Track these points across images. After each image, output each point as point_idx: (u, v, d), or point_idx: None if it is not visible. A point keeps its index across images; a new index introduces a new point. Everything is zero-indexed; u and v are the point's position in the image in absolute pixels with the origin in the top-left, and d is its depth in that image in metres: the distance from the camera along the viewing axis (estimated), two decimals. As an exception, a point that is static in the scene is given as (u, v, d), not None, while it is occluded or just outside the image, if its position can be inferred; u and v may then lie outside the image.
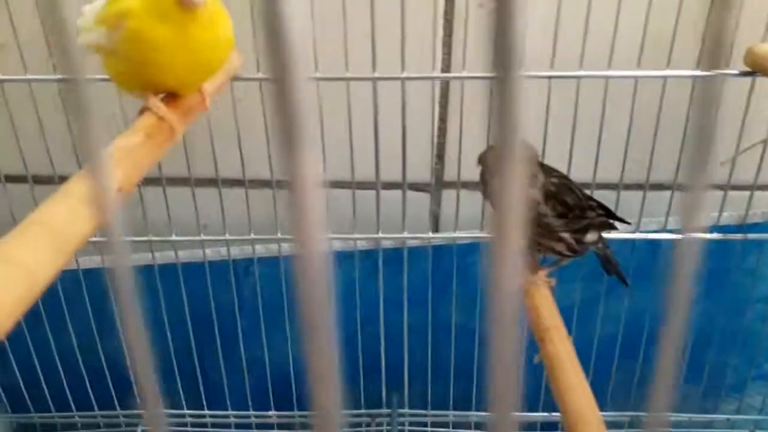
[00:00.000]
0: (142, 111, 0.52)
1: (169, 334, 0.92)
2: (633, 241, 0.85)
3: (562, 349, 0.58)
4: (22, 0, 0.76)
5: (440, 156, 0.90)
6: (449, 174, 0.90)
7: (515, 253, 0.14)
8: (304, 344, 0.15)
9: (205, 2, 0.48)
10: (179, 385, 0.97)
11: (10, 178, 0.85)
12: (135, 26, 0.48)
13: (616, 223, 0.75)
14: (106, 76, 0.75)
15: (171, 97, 0.54)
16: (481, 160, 0.64)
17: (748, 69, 0.73)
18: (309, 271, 0.14)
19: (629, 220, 0.80)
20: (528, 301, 0.66)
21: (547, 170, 0.68)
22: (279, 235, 0.87)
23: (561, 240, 0.66)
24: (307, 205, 0.14)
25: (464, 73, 0.77)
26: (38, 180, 0.85)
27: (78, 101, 0.15)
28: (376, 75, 0.76)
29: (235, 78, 0.72)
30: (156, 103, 0.51)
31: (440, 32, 0.82)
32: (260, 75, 0.75)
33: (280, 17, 0.12)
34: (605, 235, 0.74)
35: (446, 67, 0.84)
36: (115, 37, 0.49)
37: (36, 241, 0.33)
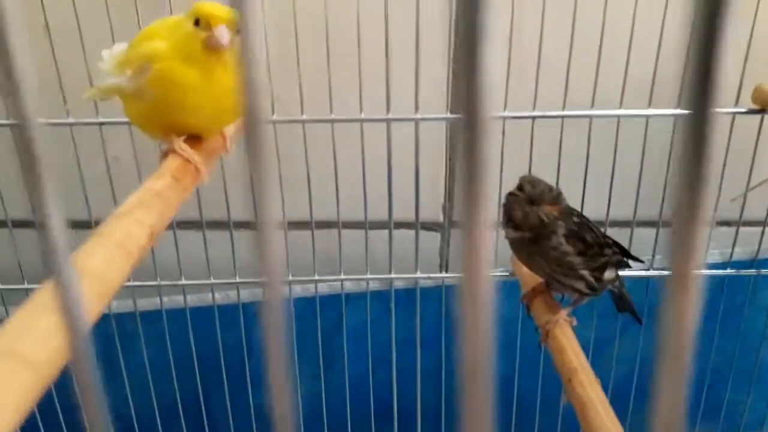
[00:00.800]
0: (166, 154, 0.52)
1: (175, 378, 0.90)
2: (647, 279, 0.84)
3: (591, 392, 0.57)
4: (33, 41, 0.76)
5: (451, 196, 0.90)
6: (458, 213, 0.90)
7: (486, 296, 0.14)
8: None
9: (232, 44, 0.48)
10: (185, 430, 0.94)
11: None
12: (163, 68, 0.48)
13: (630, 266, 0.75)
14: (110, 120, 0.77)
15: (193, 139, 0.54)
16: (506, 207, 0.65)
17: (756, 107, 0.75)
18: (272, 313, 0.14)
19: (642, 258, 0.80)
20: (552, 342, 0.65)
21: (569, 210, 0.68)
22: (290, 278, 0.86)
23: (581, 278, 0.65)
24: (270, 248, 0.14)
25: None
26: (18, 224, 0.83)
27: (28, 148, 0.14)
28: (390, 116, 0.76)
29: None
30: (182, 145, 0.50)
31: (449, 74, 0.83)
32: (275, 117, 0.75)
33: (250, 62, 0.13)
34: (620, 273, 0.74)
35: (455, 108, 0.85)
36: (142, 80, 0.48)
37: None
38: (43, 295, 0.31)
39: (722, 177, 0.78)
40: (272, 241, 0.15)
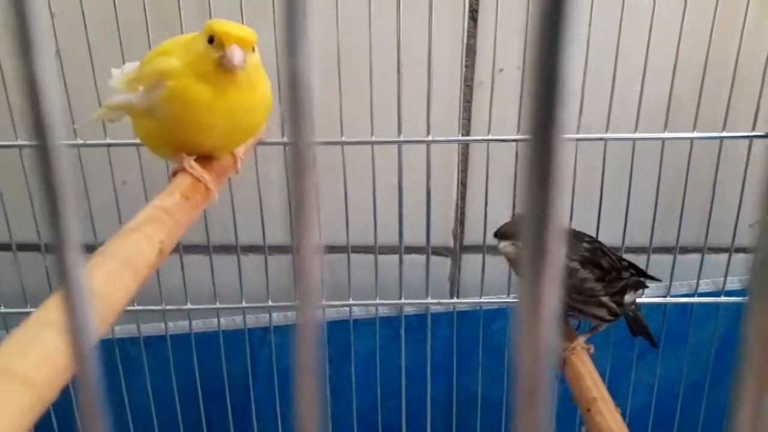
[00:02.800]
0: (175, 173, 0.51)
1: (178, 404, 0.87)
2: (664, 306, 0.82)
3: (611, 421, 0.55)
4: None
5: (461, 220, 0.89)
6: (469, 238, 0.88)
7: (550, 326, 0.12)
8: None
9: (245, 66, 0.47)
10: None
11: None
12: (176, 86, 0.47)
13: (647, 285, 0.73)
14: (118, 141, 0.76)
15: (203, 159, 0.53)
16: (501, 234, 0.63)
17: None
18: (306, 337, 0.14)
19: (659, 284, 0.78)
20: (568, 370, 0.63)
21: (578, 235, 0.67)
22: (297, 303, 0.84)
23: (602, 305, 0.63)
24: (309, 272, 0.14)
25: (489, 136, 0.77)
26: (22, 248, 0.82)
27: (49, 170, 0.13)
28: (402, 138, 0.75)
29: (260, 142, 0.71)
30: (192, 163, 0.49)
31: (461, 98, 0.82)
32: (285, 140, 0.74)
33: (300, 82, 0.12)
34: (638, 300, 0.72)
35: (466, 131, 0.84)
36: (154, 97, 0.48)
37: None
38: (43, 314, 0.30)
39: (741, 202, 0.77)
40: (311, 266, 0.14)
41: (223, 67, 0.46)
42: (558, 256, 0.12)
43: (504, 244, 0.61)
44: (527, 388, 0.12)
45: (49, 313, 0.30)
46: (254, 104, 0.49)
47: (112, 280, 0.34)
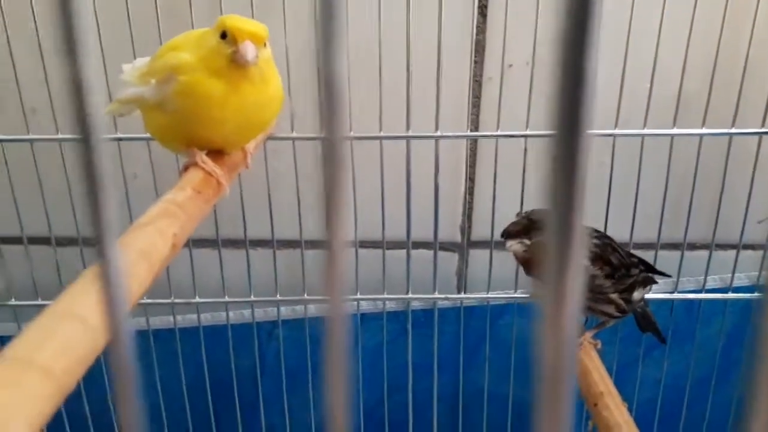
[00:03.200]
0: (186, 167, 0.51)
1: (187, 398, 0.88)
2: (671, 302, 0.82)
3: (618, 415, 0.55)
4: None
5: (469, 215, 0.89)
6: (476, 233, 0.89)
7: (573, 324, 0.12)
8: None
9: (257, 61, 0.47)
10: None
11: (7, 240, 0.84)
12: (188, 80, 0.47)
13: (656, 281, 0.73)
14: (129, 135, 0.76)
15: (214, 153, 0.54)
16: (509, 233, 0.63)
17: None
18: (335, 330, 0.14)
19: (667, 280, 0.78)
20: (576, 365, 0.63)
21: (588, 230, 0.67)
22: (306, 296, 0.85)
23: (611, 302, 0.63)
24: (339, 266, 0.14)
25: (498, 132, 0.77)
26: (60, 242, 0.83)
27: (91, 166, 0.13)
28: (410, 134, 0.76)
29: (270, 137, 0.71)
30: (203, 158, 0.49)
31: (469, 93, 0.82)
32: (294, 135, 0.75)
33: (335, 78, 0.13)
34: (646, 296, 0.72)
35: (475, 127, 0.84)
36: (166, 91, 0.48)
37: (95, 297, 0.31)
38: (61, 306, 0.30)
39: (749, 199, 0.77)
40: (340, 260, 0.14)
41: (236, 63, 0.47)
42: (581, 253, 0.12)
43: (511, 243, 0.62)
44: (549, 384, 0.12)
45: (66, 304, 0.30)
46: (266, 100, 0.49)
47: (127, 273, 0.34)
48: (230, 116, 0.48)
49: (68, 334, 0.28)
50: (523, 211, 0.65)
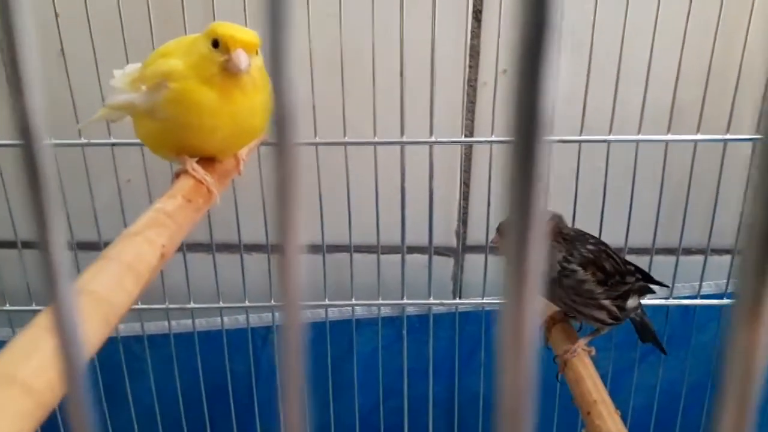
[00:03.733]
0: (178, 174, 0.51)
1: (182, 403, 0.88)
2: (666, 308, 0.82)
3: (611, 424, 0.55)
4: (49, 66, 0.76)
5: (464, 220, 0.89)
6: (471, 238, 0.88)
7: (532, 320, 0.12)
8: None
9: (250, 70, 0.47)
10: (190, 459, 0.92)
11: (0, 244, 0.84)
12: (180, 88, 0.47)
13: (653, 291, 0.73)
14: (122, 141, 0.76)
15: (206, 160, 0.53)
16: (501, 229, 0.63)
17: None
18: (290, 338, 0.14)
19: (662, 285, 0.78)
20: (569, 372, 0.63)
21: (581, 236, 0.67)
22: (280, 303, 0.84)
23: (602, 308, 0.63)
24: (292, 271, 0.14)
25: (492, 137, 0.77)
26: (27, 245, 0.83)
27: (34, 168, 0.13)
28: (405, 139, 0.76)
29: (263, 143, 0.71)
30: (194, 165, 0.49)
31: (464, 98, 0.82)
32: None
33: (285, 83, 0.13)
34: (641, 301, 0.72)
35: (470, 132, 0.84)
36: (157, 98, 0.48)
37: (85, 309, 0.31)
38: (45, 319, 0.30)
39: (743, 204, 0.77)
40: (295, 265, 0.14)
41: (229, 71, 0.47)
42: (539, 257, 0.12)
43: (496, 237, 0.62)
44: (510, 399, 0.12)
45: (49, 318, 0.30)
46: (258, 107, 0.49)
47: (114, 285, 0.34)
48: (222, 124, 0.48)
49: (51, 349, 0.28)
50: None
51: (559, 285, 0.63)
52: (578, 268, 0.63)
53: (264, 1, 0.12)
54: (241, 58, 0.45)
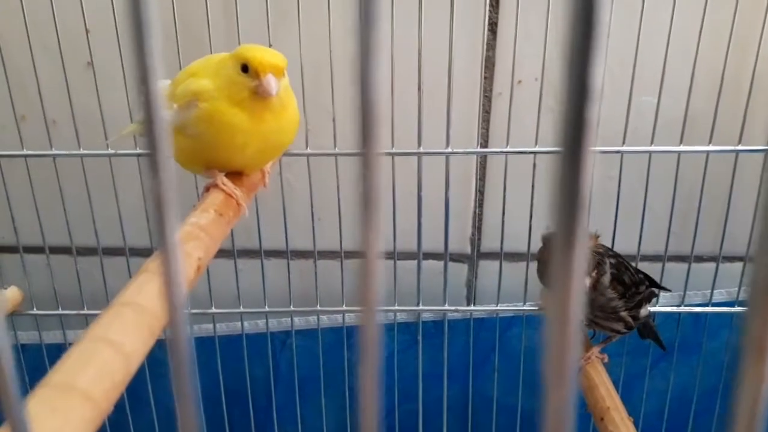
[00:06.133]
0: (208, 188, 0.53)
1: (203, 405, 0.90)
2: (678, 315, 0.83)
3: (624, 430, 0.56)
4: (77, 77, 0.79)
5: (478, 228, 0.91)
6: (486, 245, 0.90)
7: (575, 337, 0.14)
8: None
9: (279, 92, 0.49)
10: (210, 460, 0.95)
11: (28, 249, 0.86)
12: (210, 108, 0.49)
13: (657, 294, 0.74)
14: (146, 151, 0.78)
15: (233, 174, 0.55)
16: (545, 241, 0.63)
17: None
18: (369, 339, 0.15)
19: (674, 293, 0.79)
20: (583, 379, 0.64)
21: (605, 251, 0.67)
22: (318, 307, 0.86)
23: (621, 319, 0.65)
24: (374, 277, 0.15)
25: (508, 148, 0.79)
26: (80, 252, 0.85)
27: (160, 178, 0.15)
28: (422, 150, 0.77)
29: (285, 153, 0.73)
30: (224, 180, 0.51)
31: (479, 109, 0.84)
32: (309, 151, 0.77)
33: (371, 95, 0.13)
34: (652, 309, 0.74)
35: (485, 141, 0.85)
36: (188, 116, 0.50)
37: (129, 322, 0.33)
38: (98, 330, 0.32)
39: (755, 213, 0.78)
40: (375, 270, 0.15)
41: (260, 96, 0.48)
42: (582, 270, 0.13)
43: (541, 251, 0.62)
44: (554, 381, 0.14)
45: (104, 329, 0.32)
46: (285, 125, 0.51)
47: (157, 297, 0.36)
48: (252, 142, 0.50)
49: (106, 359, 0.30)
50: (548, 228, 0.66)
51: (588, 303, 0.63)
52: (608, 285, 0.63)
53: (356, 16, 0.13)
54: (272, 83, 0.47)
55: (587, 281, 0.61)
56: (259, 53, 0.48)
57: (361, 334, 0.16)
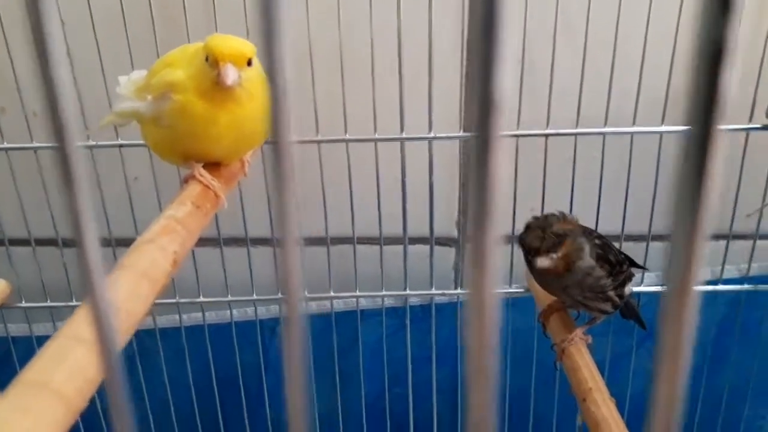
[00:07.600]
0: (186, 180, 0.53)
1: (194, 393, 0.91)
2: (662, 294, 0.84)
3: (606, 411, 0.57)
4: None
5: (464, 211, 0.91)
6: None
7: (493, 314, 0.14)
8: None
9: (240, 82, 0.49)
10: (203, 447, 0.96)
11: (14, 242, 0.86)
12: (182, 99, 0.49)
13: (647, 276, 0.75)
14: (130, 142, 0.78)
15: (212, 165, 0.55)
16: (534, 251, 0.63)
17: (770, 123, 0.74)
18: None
19: (658, 271, 0.80)
20: (567, 360, 0.65)
21: (589, 232, 0.67)
22: (306, 294, 0.87)
23: (608, 299, 0.65)
24: (291, 264, 0.15)
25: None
26: (67, 243, 0.85)
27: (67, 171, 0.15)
28: (404, 135, 0.77)
29: (267, 141, 0.73)
30: (201, 171, 0.51)
31: (461, 92, 0.84)
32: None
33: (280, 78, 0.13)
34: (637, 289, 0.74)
35: (468, 125, 0.85)
36: (162, 107, 0.50)
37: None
38: (71, 328, 0.32)
39: (738, 192, 0.78)
40: (293, 258, 0.15)
41: (219, 85, 0.48)
42: (497, 253, 0.13)
43: (542, 260, 0.61)
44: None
45: (77, 327, 0.32)
46: (257, 114, 0.51)
47: (132, 295, 0.36)
48: (225, 133, 0.50)
49: (78, 356, 0.30)
50: (532, 217, 0.65)
51: (576, 285, 0.63)
52: (596, 265, 0.63)
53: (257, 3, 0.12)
54: (229, 72, 0.47)
55: (547, 262, 0.61)
56: (221, 42, 0.48)
57: (285, 322, 0.16)
